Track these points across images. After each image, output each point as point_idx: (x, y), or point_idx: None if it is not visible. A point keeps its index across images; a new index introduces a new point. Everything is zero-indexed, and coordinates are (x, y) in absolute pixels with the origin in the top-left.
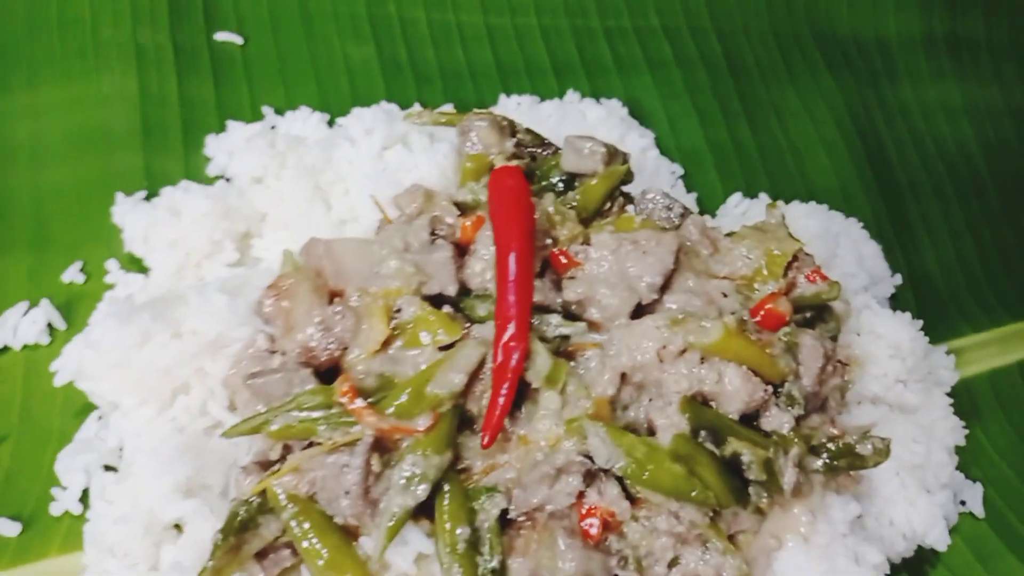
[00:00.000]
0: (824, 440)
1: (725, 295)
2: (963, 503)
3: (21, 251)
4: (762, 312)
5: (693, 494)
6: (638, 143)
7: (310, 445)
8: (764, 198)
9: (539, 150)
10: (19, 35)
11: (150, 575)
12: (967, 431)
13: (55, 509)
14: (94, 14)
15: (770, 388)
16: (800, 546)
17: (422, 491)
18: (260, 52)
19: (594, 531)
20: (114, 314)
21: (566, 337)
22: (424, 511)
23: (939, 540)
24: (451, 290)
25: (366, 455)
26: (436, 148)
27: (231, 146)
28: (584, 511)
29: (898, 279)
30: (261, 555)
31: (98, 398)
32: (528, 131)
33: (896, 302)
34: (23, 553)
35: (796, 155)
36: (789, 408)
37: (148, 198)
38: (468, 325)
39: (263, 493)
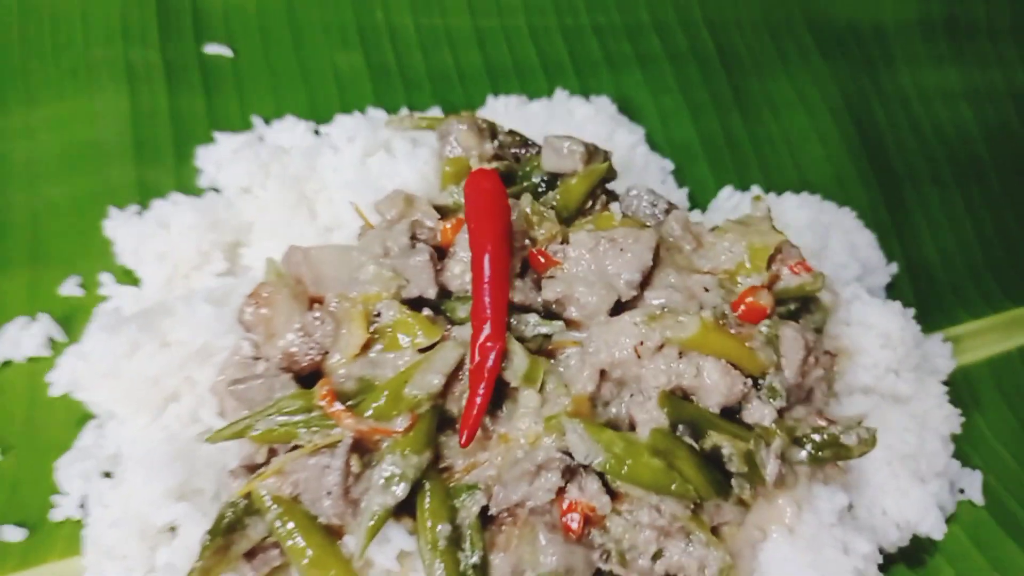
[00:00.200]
0: (808, 431)
1: (707, 289)
2: (962, 491)
3: (20, 267)
4: (743, 305)
5: (673, 487)
6: (627, 139)
7: (295, 448)
8: (756, 191)
9: (522, 150)
10: (14, 57)
11: None
12: (964, 419)
13: (57, 515)
14: (86, 35)
15: (750, 381)
16: (785, 537)
17: (401, 490)
18: (250, 63)
19: (575, 526)
20: (103, 326)
21: (548, 336)
22: (406, 509)
23: (934, 528)
24: (430, 293)
25: (345, 456)
26: (417, 153)
27: (219, 158)
28: (565, 506)
29: (894, 268)
30: (251, 555)
31: (96, 407)
32: (510, 132)
33: (893, 291)
34: (27, 558)
35: (790, 146)
36: (771, 400)
37: (141, 211)
38: (449, 327)
39: (249, 495)
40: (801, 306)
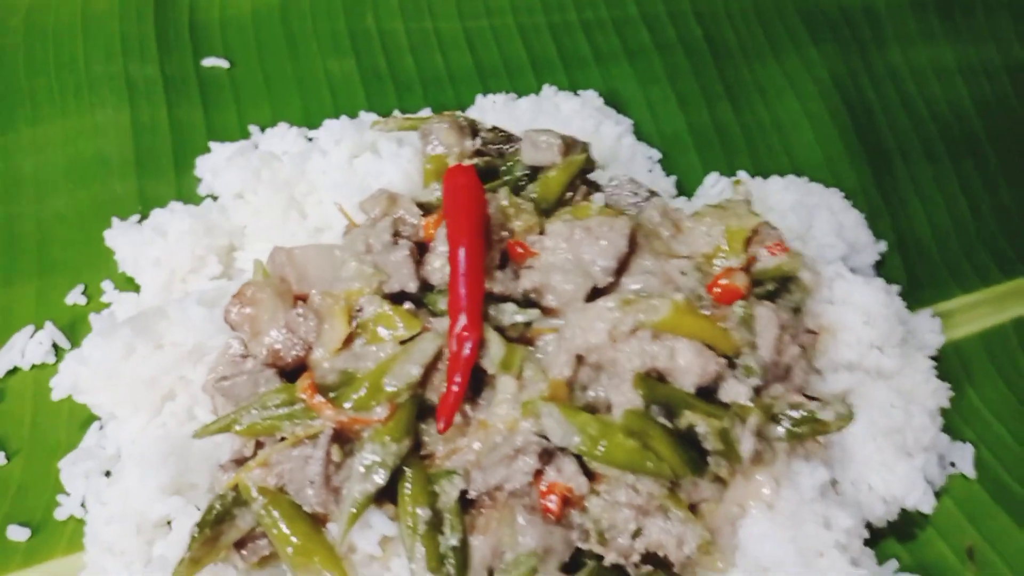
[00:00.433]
0: (786, 408)
1: (684, 273)
2: (952, 464)
3: (28, 277)
4: (718, 287)
5: (648, 466)
6: (614, 131)
7: (282, 441)
8: (742, 176)
9: (505, 146)
10: (20, 77)
11: (145, 571)
12: (953, 393)
13: (60, 514)
14: (87, 52)
15: (724, 361)
16: (765, 513)
17: (380, 477)
18: (246, 73)
19: (553, 507)
20: (98, 331)
21: (527, 324)
22: (388, 496)
23: (922, 502)
24: (411, 287)
25: (326, 446)
26: (402, 153)
27: (215, 166)
28: (544, 488)
29: (882, 246)
30: (240, 545)
31: (98, 409)
32: (493, 129)
33: (884, 269)
34: (32, 555)
35: (780, 132)
36: (747, 379)
37: (141, 221)
38: (430, 319)
39: (237, 487)
40: (780, 286)
